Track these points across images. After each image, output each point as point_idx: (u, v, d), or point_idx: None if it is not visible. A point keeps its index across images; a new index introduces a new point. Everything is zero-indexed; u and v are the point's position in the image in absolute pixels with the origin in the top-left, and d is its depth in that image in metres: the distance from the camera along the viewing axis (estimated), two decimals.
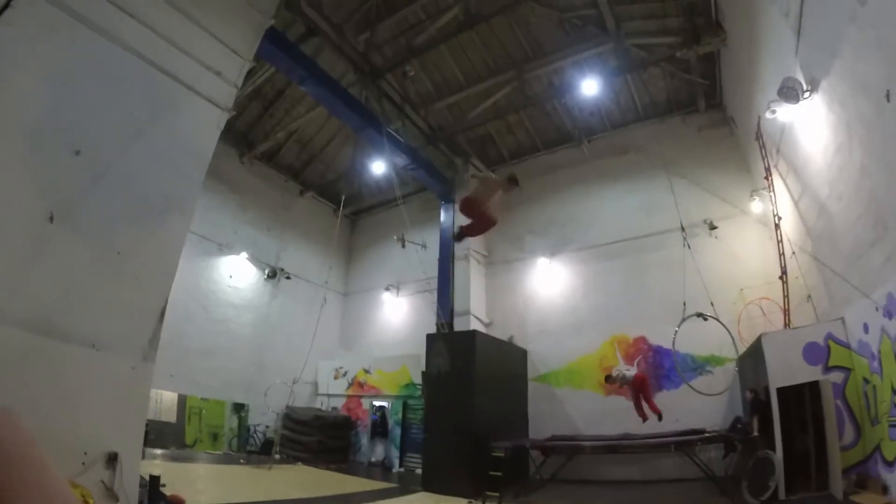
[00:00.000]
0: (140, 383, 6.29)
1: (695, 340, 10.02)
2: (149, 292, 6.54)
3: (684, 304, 8.99)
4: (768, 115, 7.92)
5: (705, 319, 8.89)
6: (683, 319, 8.85)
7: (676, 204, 10.61)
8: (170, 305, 6.74)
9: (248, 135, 15.51)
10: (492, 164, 16.14)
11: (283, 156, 16.90)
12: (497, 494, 8.67)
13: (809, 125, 7.29)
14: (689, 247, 10.09)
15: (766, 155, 9.42)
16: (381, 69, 12.59)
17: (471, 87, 13.57)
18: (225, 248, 15.20)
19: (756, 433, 7.71)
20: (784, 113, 7.63)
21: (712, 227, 11.60)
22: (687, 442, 8.72)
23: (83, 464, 5.45)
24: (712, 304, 9.09)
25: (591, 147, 14.48)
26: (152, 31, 7.14)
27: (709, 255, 11.19)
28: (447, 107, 14.27)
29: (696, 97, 12.89)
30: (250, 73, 10.29)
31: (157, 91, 7.12)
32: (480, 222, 7.47)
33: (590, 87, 12.01)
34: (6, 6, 5.43)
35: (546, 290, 13.94)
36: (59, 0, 6.01)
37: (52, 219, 5.82)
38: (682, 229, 10.27)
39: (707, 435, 8.89)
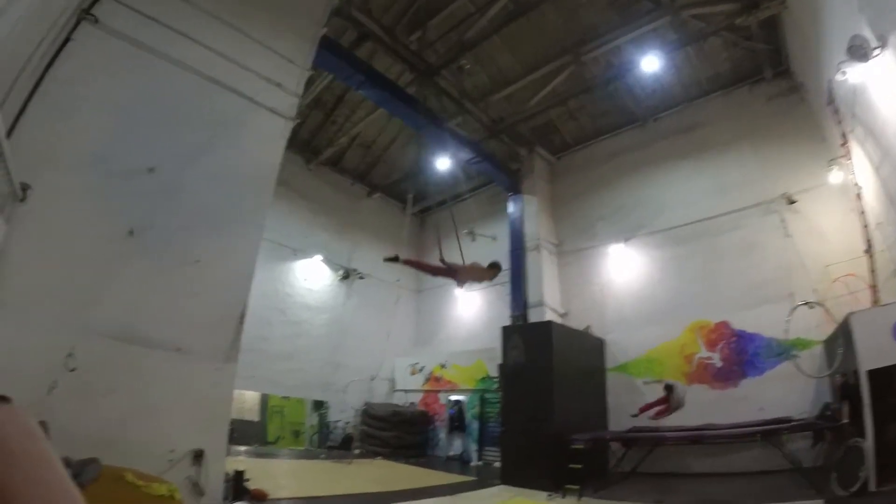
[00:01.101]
0: (223, 383, 6.67)
1: (779, 324, 9.36)
2: (228, 297, 6.94)
3: (793, 295, 8.37)
4: (839, 77, 7.21)
5: (811, 307, 8.30)
6: (793, 309, 8.28)
7: (750, 180, 9.94)
8: (249, 310, 7.11)
9: (311, 142, 16.03)
10: (556, 152, 15.85)
11: (347, 160, 17.35)
12: (577, 487, 8.50)
13: (883, 85, 6.58)
14: (783, 221, 9.36)
15: (840, 121, 8.61)
16: (435, 66, 12.61)
17: (527, 76, 13.30)
18: (299, 252, 15.82)
19: (846, 420, 7.11)
20: (855, 74, 6.90)
21: (791, 202, 10.75)
22: (773, 431, 8.14)
23: (170, 461, 5.84)
24: (815, 290, 8.44)
25: (656, 127, 13.85)
26: (211, 51, 7.54)
27: (789, 232, 10.42)
28: (506, 97, 14.08)
29: (761, 65, 12.00)
30: (309, 83, 10.62)
31: (221, 107, 7.52)
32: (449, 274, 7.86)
33: (650, 63, 11.49)
34: (66, 41, 5.86)
35: (621, 277, 13.47)
36: (118, 31, 6.45)
37: (131, 233, 6.29)
38: (754, 206, 9.57)
39: (793, 423, 8.28)
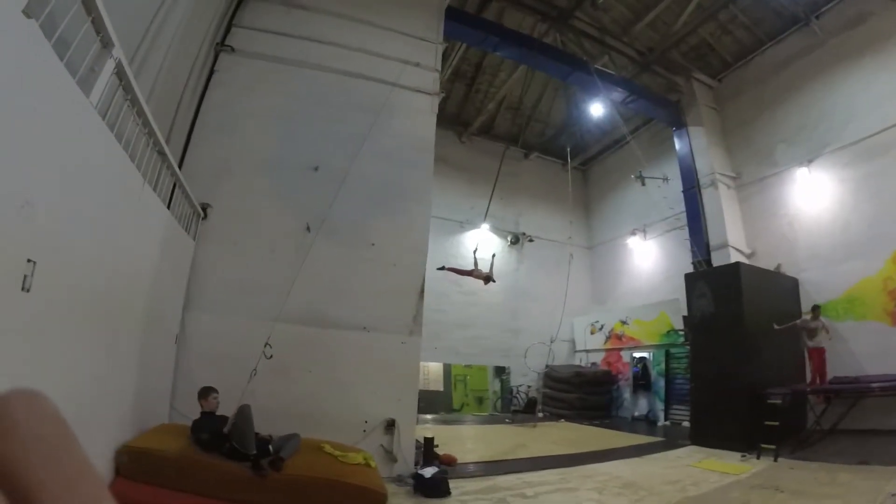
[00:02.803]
0: (409, 356, 7.15)
1: None
2: (406, 274, 7.38)
3: None
4: None
5: None
6: None
7: None
8: (426, 284, 7.50)
9: (460, 115, 16.20)
10: (716, 74, 13.90)
11: (498, 125, 17.24)
12: (773, 447, 7.60)
13: None
14: None
15: None
16: (568, 9, 11.88)
17: None
18: (466, 224, 16.24)
19: None
20: None
21: None
22: None
23: (364, 431, 6.44)
24: None
25: (821, 25, 11.38)
26: (347, 49, 8.01)
27: None
28: (649, 25, 12.70)
29: None
30: (445, 57, 10.72)
31: (369, 97, 7.98)
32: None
33: None
34: (211, 73, 6.56)
35: (809, 206, 11.47)
36: (256, 53, 7.12)
37: (308, 228, 6.96)
38: None
39: None
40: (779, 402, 8.06)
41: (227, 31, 7.01)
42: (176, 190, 5.09)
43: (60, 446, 0.50)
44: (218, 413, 4.75)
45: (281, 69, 7.33)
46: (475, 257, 10.97)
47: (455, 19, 10.11)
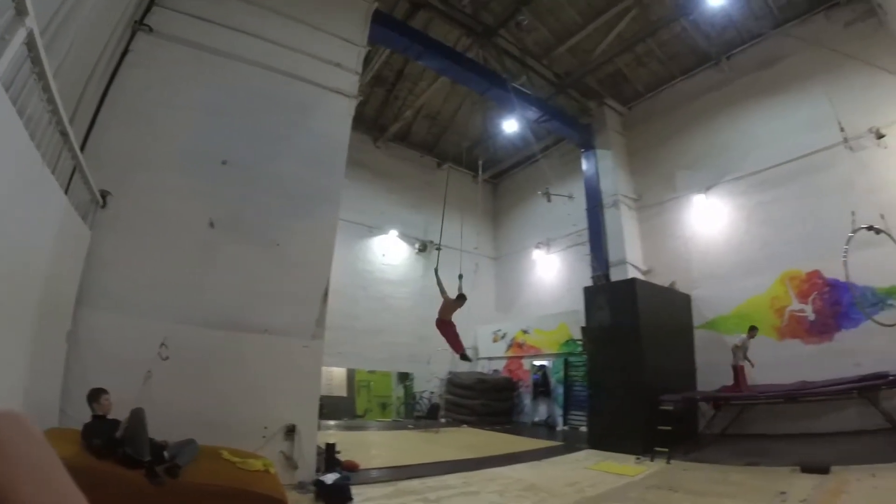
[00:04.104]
0: (312, 360, 6.99)
1: (874, 271, 8.43)
2: (310, 277, 7.21)
3: (853, 213, 7.54)
4: None
5: (877, 233, 7.41)
6: (851, 234, 7.46)
7: (834, 114, 8.88)
8: (331, 288, 7.36)
9: (377, 120, 16.14)
10: (627, 102, 14.98)
11: (414, 133, 17.36)
12: (666, 450, 8.24)
13: None
14: (852, 151, 8.38)
15: None
16: (493, 26, 12.25)
17: (589, 25, 12.56)
18: (375, 229, 16.18)
19: None
20: None
21: (880, 136, 9.49)
22: (870, 387, 7.44)
23: (264, 437, 6.22)
24: (882, 216, 7.52)
25: (730, 65, 12.65)
26: (269, 42, 7.76)
27: (880, 170, 9.26)
28: (569, 50, 13.42)
29: None
30: (367, 60, 10.64)
31: (287, 94, 7.76)
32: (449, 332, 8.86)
33: None
34: (125, 52, 6.15)
35: (706, 228, 12.65)
36: (175, 37, 6.72)
37: (212, 224, 6.63)
38: (845, 141, 8.57)
39: (893, 378, 7.51)
40: (671, 408, 8.70)
41: (149, 8, 6.54)
42: (75, 174, 4.69)
43: (46, 466, 0.50)
44: (111, 417, 4.42)
45: (200, 56, 6.96)
46: (460, 282, 9.56)
47: (382, 24, 10.08)
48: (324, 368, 8.05)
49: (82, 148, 4.99)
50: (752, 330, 9.65)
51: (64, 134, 3.97)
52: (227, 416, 5.93)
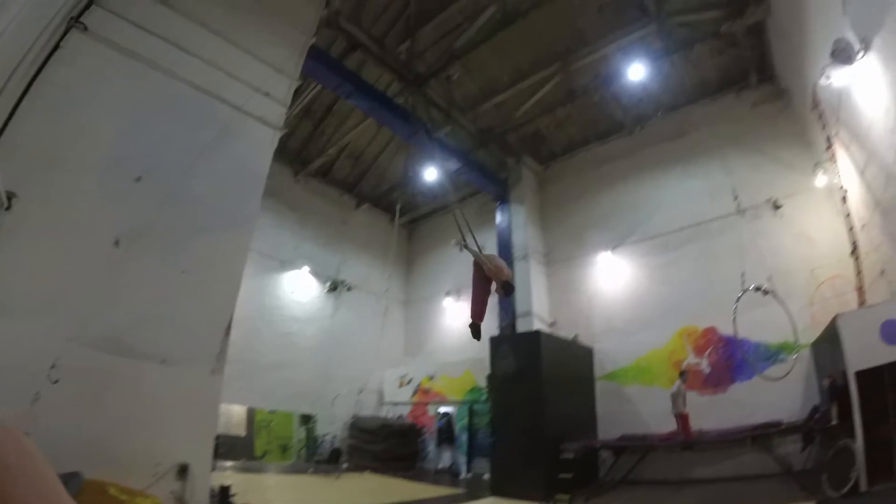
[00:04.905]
0: (209, 396, 6.57)
1: (766, 328, 9.41)
2: (214, 308, 6.83)
3: (742, 274, 8.38)
4: (823, 81, 7.37)
5: (765, 294, 8.26)
6: (741, 294, 8.26)
7: (736, 185, 10.02)
8: (236, 322, 7.00)
9: (301, 153, 15.94)
10: (544, 161, 15.93)
11: (336, 170, 17.27)
12: (567, 497, 8.43)
13: (867, 87, 6.72)
14: (749, 219, 9.44)
15: (825, 125, 8.78)
16: (424, 76, 12.66)
17: (516, 85, 13.38)
18: (286, 264, 15.69)
19: (835, 422, 7.16)
20: (839, 77, 7.06)
21: (777, 207, 10.86)
22: (763, 435, 8.19)
23: (155, 475, 5.70)
24: (769, 278, 8.43)
25: (643, 134, 13.95)
26: (201, 60, 7.50)
27: (775, 237, 10.56)
28: (494, 107, 14.14)
29: (746, 72, 12.17)
30: (298, 93, 10.61)
31: (211, 116, 7.48)
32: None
33: (636, 71, 11.66)
34: (55, 48, 5.78)
35: (609, 285, 13.51)
36: (108, 39, 6.39)
37: (117, 243, 6.18)
38: (741, 211, 9.62)
39: (784, 427, 8.31)
40: (572, 456, 8.96)
41: (88, 6, 6.17)
42: None
43: (41, 481, 0.49)
44: None
45: (131, 64, 6.62)
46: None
47: (316, 59, 10.13)
48: (222, 405, 7.60)
49: None
50: (684, 374, 9.98)
51: None
52: (118, 449, 5.41)
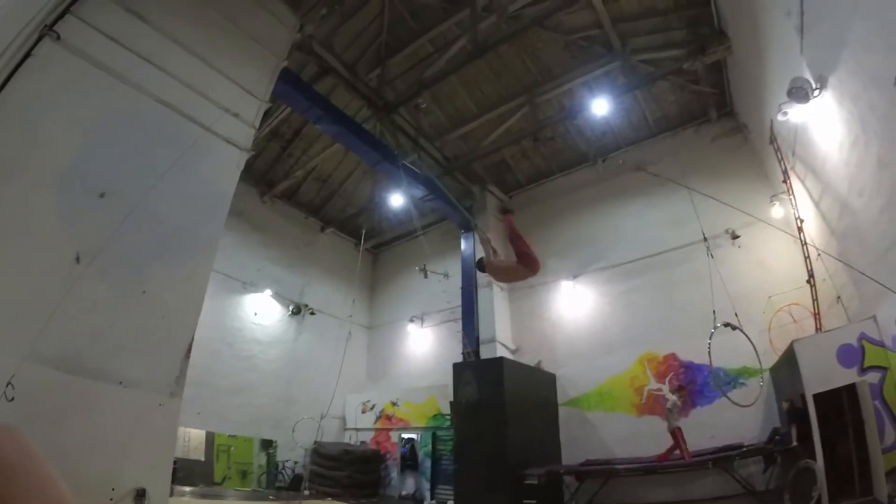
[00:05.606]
0: (167, 420, 6.35)
1: (726, 353, 9.70)
2: (175, 329, 6.65)
3: (714, 312, 8.72)
4: (780, 117, 7.85)
5: (734, 329, 8.61)
6: (713, 331, 8.58)
7: (697, 216, 10.43)
8: (196, 344, 6.83)
9: (267, 174, 15.88)
10: (509, 190, 16.25)
11: (302, 193, 17.22)
12: None
13: (822, 123, 7.22)
14: (712, 256, 9.86)
15: (781, 158, 9.33)
16: (394, 104, 12.86)
17: (483, 116, 13.76)
18: (249, 286, 15.42)
19: (795, 443, 7.42)
20: (796, 114, 7.56)
21: (735, 237, 11.38)
22: (725, 457, 8.41)
23: (111, 500, 5.49)
24: (736, 314, 8.79)
25: (606, 166, 14.43)
26: (171, 77, 7.46)
27: (734, 265, 10.99)
28: (461, 136, 14.48)
29: (706, 107, 12.82)
30: (267, 114, 10.59)
31: (178, 134, 7.39)
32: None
33: (600, 106, 12.11)
34: (27, 55, 5.72)
35: (572, 312, 13.75)
36: (80, 50, 6.34)
37: (78, 259, 6.02)
38: (705, 239, 10.04)
39: (745, 449, 8.57)
40: (535, 481, 8.97)
41: (63, 15, 6.12)
42: None
43: (43, 480, 0.52)
44: None
45: (101, 77, 6.55)
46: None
47: (287, 82, 10.20)
48: (181, 429, 7.37)
49: None
50: (681, 389, 10.02)
51: None
52: (73, 471, 5.17)
